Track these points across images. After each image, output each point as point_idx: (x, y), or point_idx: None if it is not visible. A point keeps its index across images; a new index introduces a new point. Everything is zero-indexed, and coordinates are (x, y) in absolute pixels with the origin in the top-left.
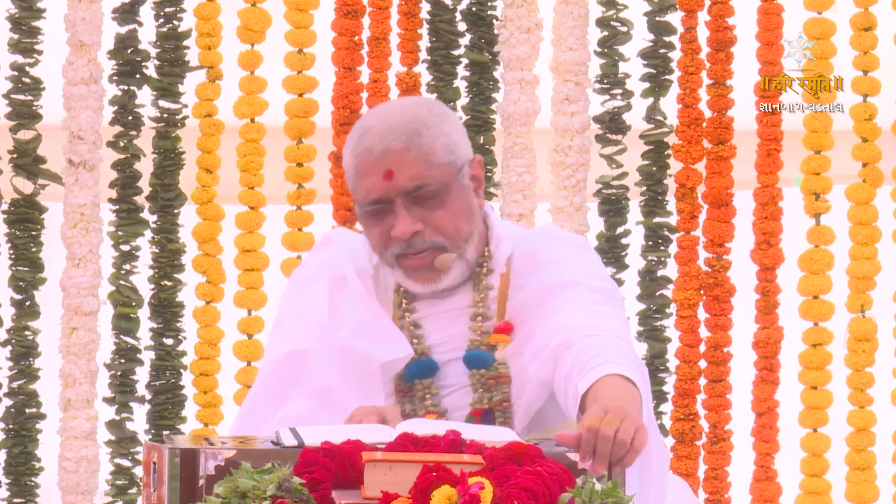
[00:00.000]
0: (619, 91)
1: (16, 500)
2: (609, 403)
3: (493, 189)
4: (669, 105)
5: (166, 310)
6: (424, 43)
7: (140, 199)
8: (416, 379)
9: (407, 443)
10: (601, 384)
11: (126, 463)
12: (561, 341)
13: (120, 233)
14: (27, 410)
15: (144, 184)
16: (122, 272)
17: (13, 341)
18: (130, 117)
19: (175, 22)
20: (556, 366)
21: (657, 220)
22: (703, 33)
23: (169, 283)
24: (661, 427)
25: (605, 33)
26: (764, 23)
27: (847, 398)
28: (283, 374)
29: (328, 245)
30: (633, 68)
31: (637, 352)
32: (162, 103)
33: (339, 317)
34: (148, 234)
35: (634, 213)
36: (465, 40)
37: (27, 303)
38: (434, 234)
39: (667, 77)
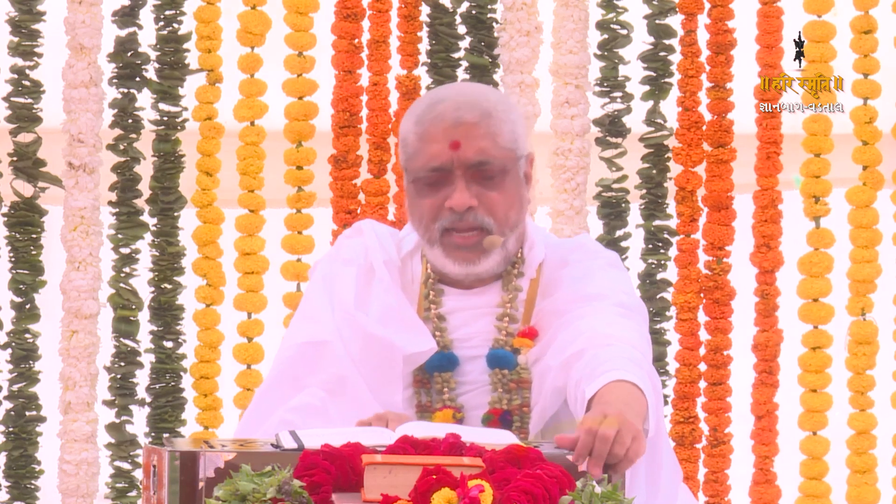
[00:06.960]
0: (619, 94)
1: None
2: (609, 408)
3: None
4: (669, 108)
5: (166, 313)
6: (424, 46)
7: (140, 203)
8: (436, 371)
9: (407, 445)
10: (606, 389)
11: (126, 466)
12: (576, 350)
13: (120, 236)
14: (27, 413)
15: (144, 187)
16: (122, 275)
17: (13, 344)
18: (130, 120)
19: (175, 25)
20: (568, 373)
21: (657, 223)
22: (703, 36)
23: (169, 286)
24: None
25: (605, 36)
26: (764, 26)
27: (848, 401)
28: (300, 361)
29: (359, 234)
30: (633, 71)
31: (653, 365)
32: (162, 106)
33: (364, 304)
34: (148, 237)
35: (634, 216)
36: (464, 43)
37: (27, 306)
38: (486, 213)
39: (667, 80)
